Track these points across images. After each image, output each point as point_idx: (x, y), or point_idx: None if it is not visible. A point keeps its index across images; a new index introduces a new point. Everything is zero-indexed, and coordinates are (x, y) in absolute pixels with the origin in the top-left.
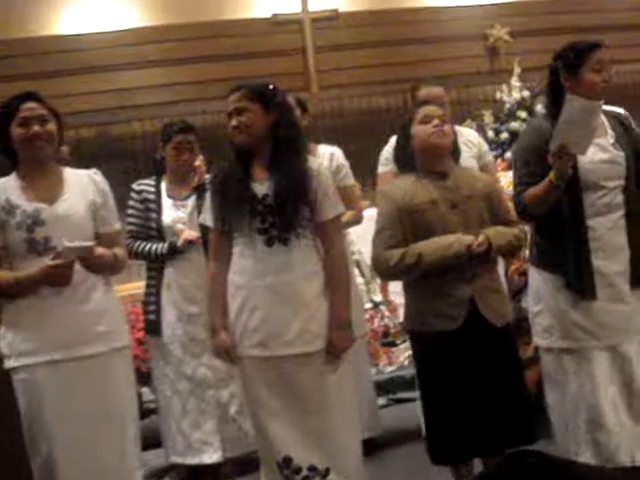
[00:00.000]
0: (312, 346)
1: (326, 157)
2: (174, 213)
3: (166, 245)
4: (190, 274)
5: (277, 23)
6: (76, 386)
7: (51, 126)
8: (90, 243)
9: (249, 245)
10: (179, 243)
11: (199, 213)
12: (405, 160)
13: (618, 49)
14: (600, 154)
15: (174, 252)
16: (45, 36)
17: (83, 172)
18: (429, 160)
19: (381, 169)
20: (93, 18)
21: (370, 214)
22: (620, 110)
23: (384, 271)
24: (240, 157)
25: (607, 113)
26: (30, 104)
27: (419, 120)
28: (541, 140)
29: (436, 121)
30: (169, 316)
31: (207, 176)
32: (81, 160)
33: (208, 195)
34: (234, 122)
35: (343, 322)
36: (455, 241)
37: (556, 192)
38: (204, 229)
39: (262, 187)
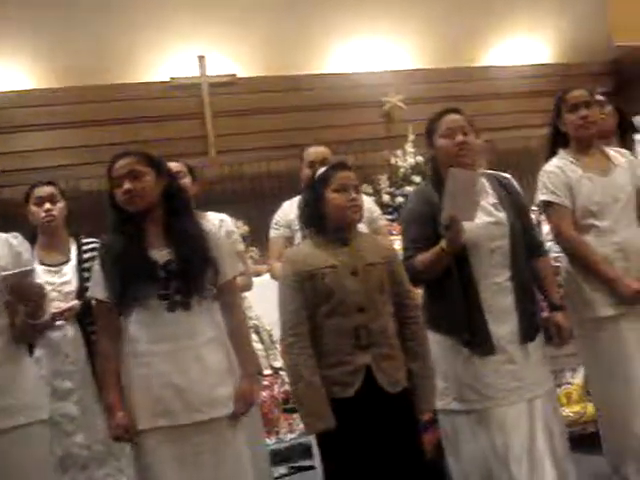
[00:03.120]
0: (218, 412)
1: (215, 224)
2: (47, 280)
3: None
4: (62, 347)
5: (175, 87)
6: None
7: None
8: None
9: (150, 312)
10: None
11: (81, 282)
12: (311, 220)
13: (506, 116)
14: (483, 216)
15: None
16: None
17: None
18: (339, 228)
19: (272, 233)
20: None
21: (268, 278)
22: (504, 174)
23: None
24: (132, 224)
25: (488, 176)
26: None
27: (334, 187)
28: (426, 204)
29: (352, 194)
30: None
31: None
32: None
33: (95, 268)
34: (128, 186)
35: (252, 374)
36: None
37: (447, 259)
38: (87, 303)
39: (162, 253)
